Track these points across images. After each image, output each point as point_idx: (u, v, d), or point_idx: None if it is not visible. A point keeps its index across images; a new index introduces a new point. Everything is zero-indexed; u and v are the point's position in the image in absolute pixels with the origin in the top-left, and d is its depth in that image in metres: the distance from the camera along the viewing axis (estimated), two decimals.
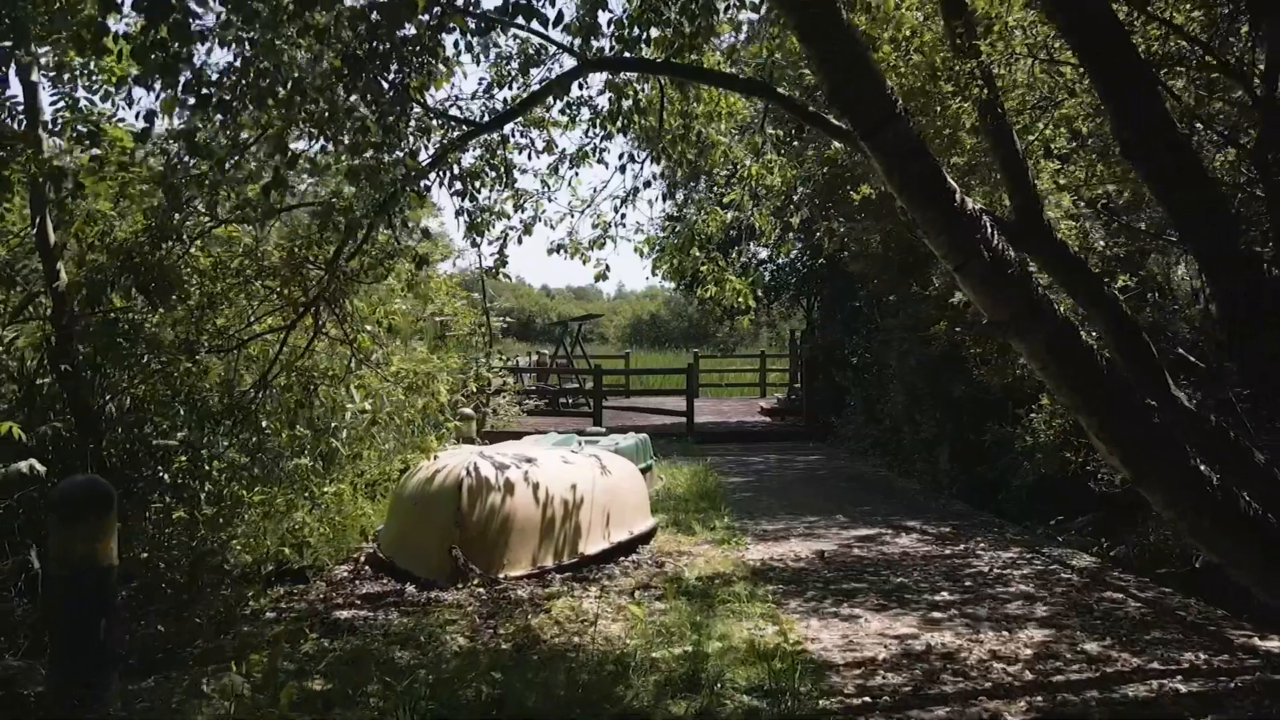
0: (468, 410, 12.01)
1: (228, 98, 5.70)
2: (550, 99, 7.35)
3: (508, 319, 19.24)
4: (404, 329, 13.69)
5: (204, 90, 5.06)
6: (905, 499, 11.28)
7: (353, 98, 6.13)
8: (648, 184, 7.41)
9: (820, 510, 10.37)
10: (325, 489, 8.01)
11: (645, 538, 8.46)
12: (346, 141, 6.07)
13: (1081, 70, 6.14)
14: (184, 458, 7.31)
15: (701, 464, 13.52)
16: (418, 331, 14.80)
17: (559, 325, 26.52)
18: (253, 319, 7.87)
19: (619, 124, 6.90)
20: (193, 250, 7.56)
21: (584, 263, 7.98)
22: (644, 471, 11.41)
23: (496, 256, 7.76)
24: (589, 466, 8.14)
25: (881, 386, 15.44)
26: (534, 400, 21.34)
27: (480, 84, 7.31)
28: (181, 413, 7.50)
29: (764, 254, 20.00)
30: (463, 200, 6.75)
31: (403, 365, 7.81)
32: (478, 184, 6.81)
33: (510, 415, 13.99)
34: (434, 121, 6.84)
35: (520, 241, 7.85)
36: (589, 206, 7.95)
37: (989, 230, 4.99)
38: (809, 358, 19.08)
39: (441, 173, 6.78)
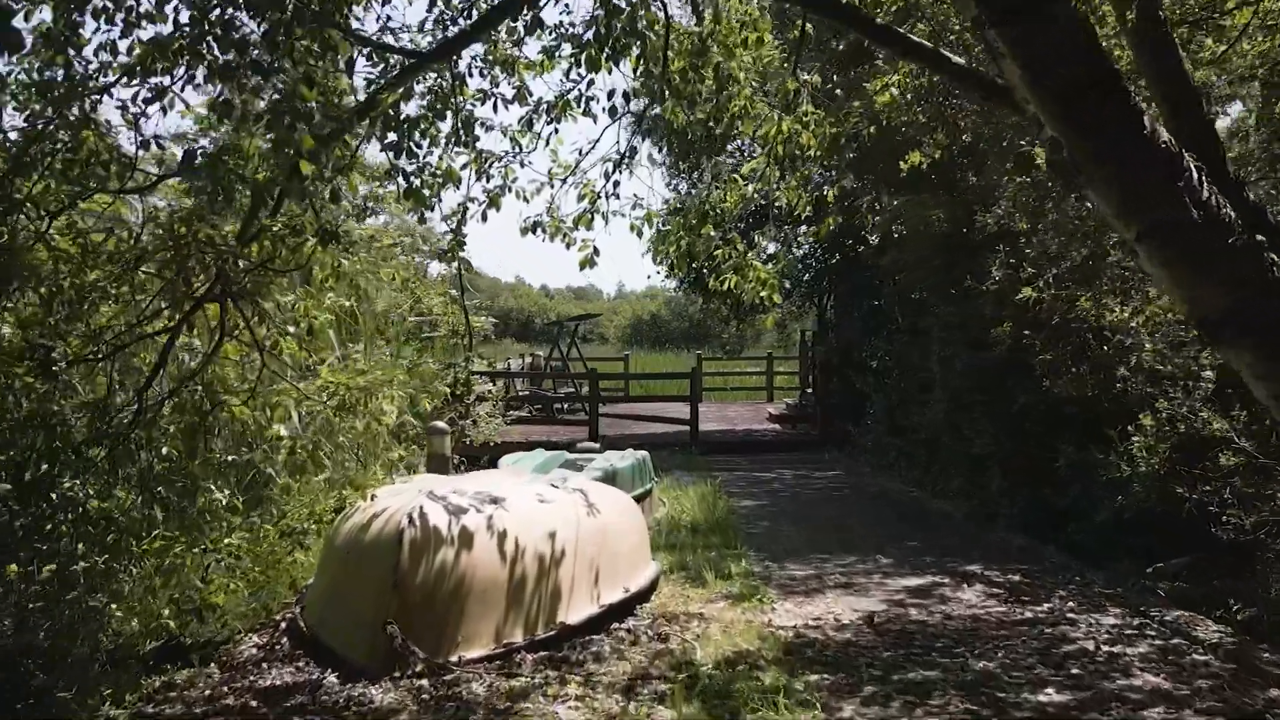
0: (440, 424, 10.13)
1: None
2: (520, 29, 5.47)
3: (493, 317, 17.32)
4: (367, 331, 11.82)
5: None
6: (951, 529, 9.40)
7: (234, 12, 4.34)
8: (649, 132, 5.52)
9: (855, 546, 8.48)
10: (226, 538, 6.13)
11: (644, 594, 6.57)
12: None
13: None
14: (40, 504, 5.46)
15: (709, 483, 11.62)
16: (402, 333, 12.93)
17: (554, 325, 24.58)
18: (139, 318, 6.00)
19: (608, 52, 5.01)
20: (54, 230, 5.69)
21: (567, 245, 6.11)
22: (644, 496, 9.54)
23: (453, 236, 5.90)
24: (573, 506, 6.26)
25: (906, 393, 13.58)
26: (527, 407, 19.50)
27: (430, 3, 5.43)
28: (40, 438, 5.64)
29: (772, 248, 18.14)
30: (397, 157, 4.87)
31: (334, 378, 5.91)
32: (421, 137, 4.93)
33: (492, 427, 12.12)
34: (361, 52, 4.98)
35: (484, 218, 5.98)
36: (573, 173, 6.07)
37: (1194, 175, 3.07)
38: (823, 360, 17.19)
39: (374, 121, 4.90)
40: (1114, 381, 7.15)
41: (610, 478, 8.78)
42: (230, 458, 6.27)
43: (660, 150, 17.41)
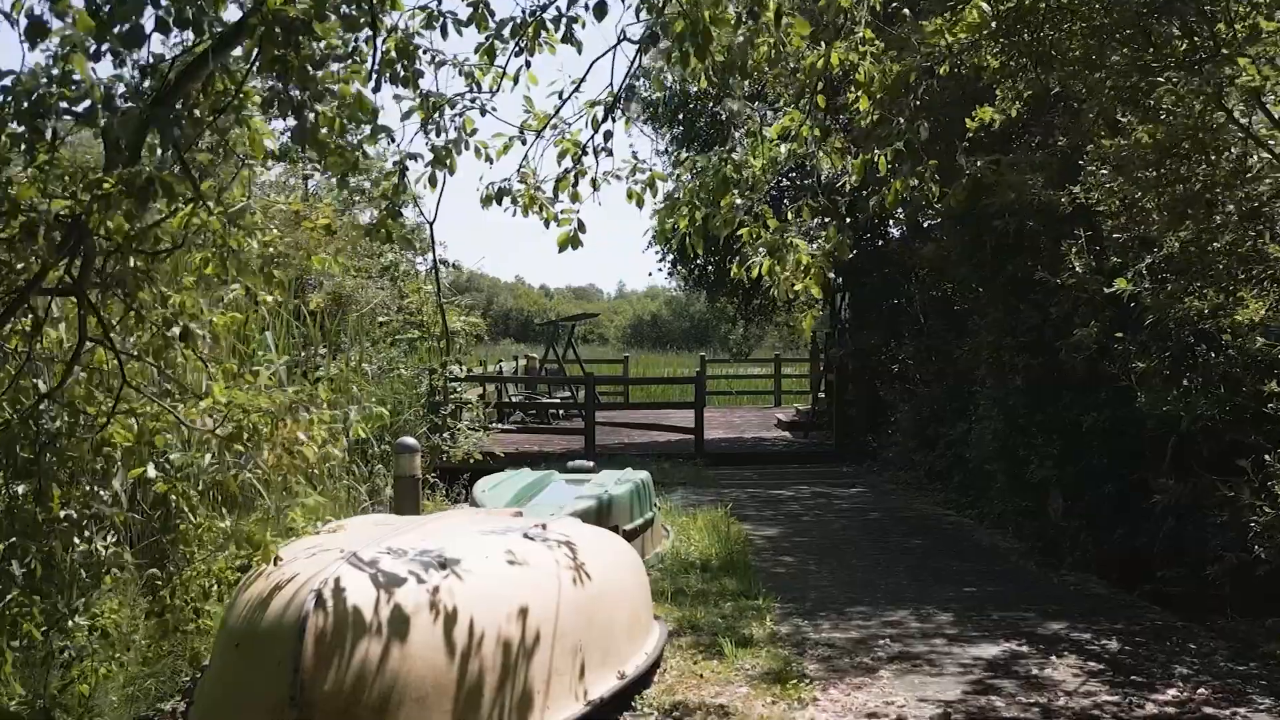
0: (409, 440, 8.52)
1: None
2: None
3: (479, 314, 15.68)
4: (349, 332, 10.19)
5: None
6: (1008, 568, 7.77)
7: None
8: (653, 39, 3.90)
9: (901, 593, 6.87)
10: (92, 606, 4.53)
11: (645, 677, 4.96)
12: None
13: None
14: None
15: (718, 504, 10.02)
16: (389, 334, 11.32)
17: (549, 325, 22.90)
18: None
19: None
20: None
21: (546, 222, 4.49)
22: (645, 527, 7.95)
23: (385, 206, 4.29)
24: (553, 567, 4.64)
25: (936, 401, 11.99)
26: (519, 414, 17.94)
27: None
28: None
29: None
30: (283, 80, 3.25)
31: (229, 397, 4.30)
32: (320, 50, 3.31)
33: (472, 441, 10.52)
34: None
35: (433, 182, 4.37)
36: (549, 124, 4.45)
37: None
38: (839, 364, 15.56)
39: (250, 31, 3.30)
40: (1238, 397, 5.54)
41: (604, 508, 7.21)
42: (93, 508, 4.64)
43: (659, 124, 15.83)
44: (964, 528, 9.51)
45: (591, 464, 9.31)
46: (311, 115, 3.27)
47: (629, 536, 7.58)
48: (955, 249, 8.89)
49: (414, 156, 4.26)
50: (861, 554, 8.26)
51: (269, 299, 5.49)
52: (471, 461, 10.33)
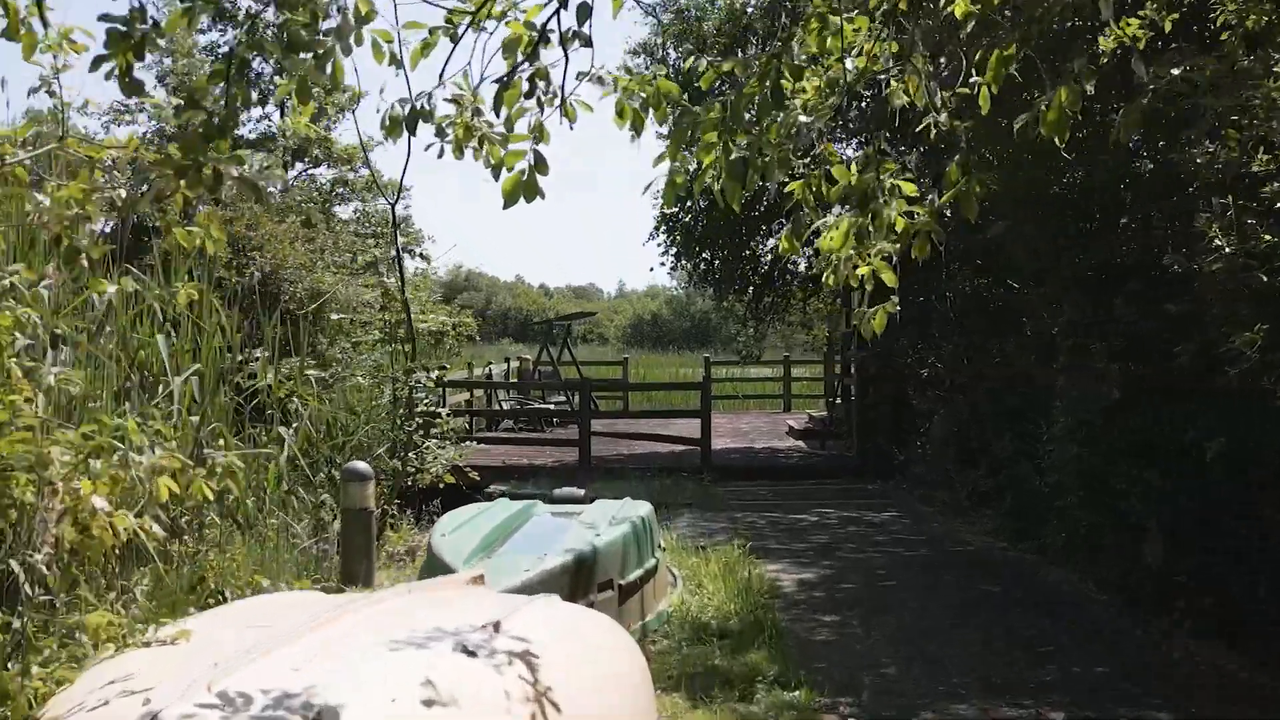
0: (359, 465, 6.85)
1: None
2: None
3: (467, 311, 13.96)
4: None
5: None
6: (1103, 628, 6.05)
7: None
8: None
9: (987, 673, 5.13)
10: None
11: None
12: None
13: None
14: None
15: (732, 534, 8.36)
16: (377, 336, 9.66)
17: (543, 324, 21.14)
18: None
19: None
20: None
21: (497, 171, 2.74)
22: (645, 580, 6.18)
23: (202, 122, 2.54)
24: (498, 701, 2.87)
25: (979, 411, 10.32)
26: (509, 422, 16.28)
27: None
28: None
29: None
30: None
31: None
32: None
33: (440, 463, 8.80)
34: None
35: (302, 96, 2.65)
36: (489, 12, 2.72)
37: None
38: (861, 366, 13.82)
39: None
40: None
41: (586, 563, 5.46)
42: None
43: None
44: (1028, 565, 7.78)
45: (582, 493, 7.55)
46: None
47: (626, 592, 5.87)
48: (1024, 231, 7.15)
49: (260, 48, 2.52)
50: (918, 608, 6.51)
51: (108, 288, 3.79)
52: (441, 487, 8.60)
